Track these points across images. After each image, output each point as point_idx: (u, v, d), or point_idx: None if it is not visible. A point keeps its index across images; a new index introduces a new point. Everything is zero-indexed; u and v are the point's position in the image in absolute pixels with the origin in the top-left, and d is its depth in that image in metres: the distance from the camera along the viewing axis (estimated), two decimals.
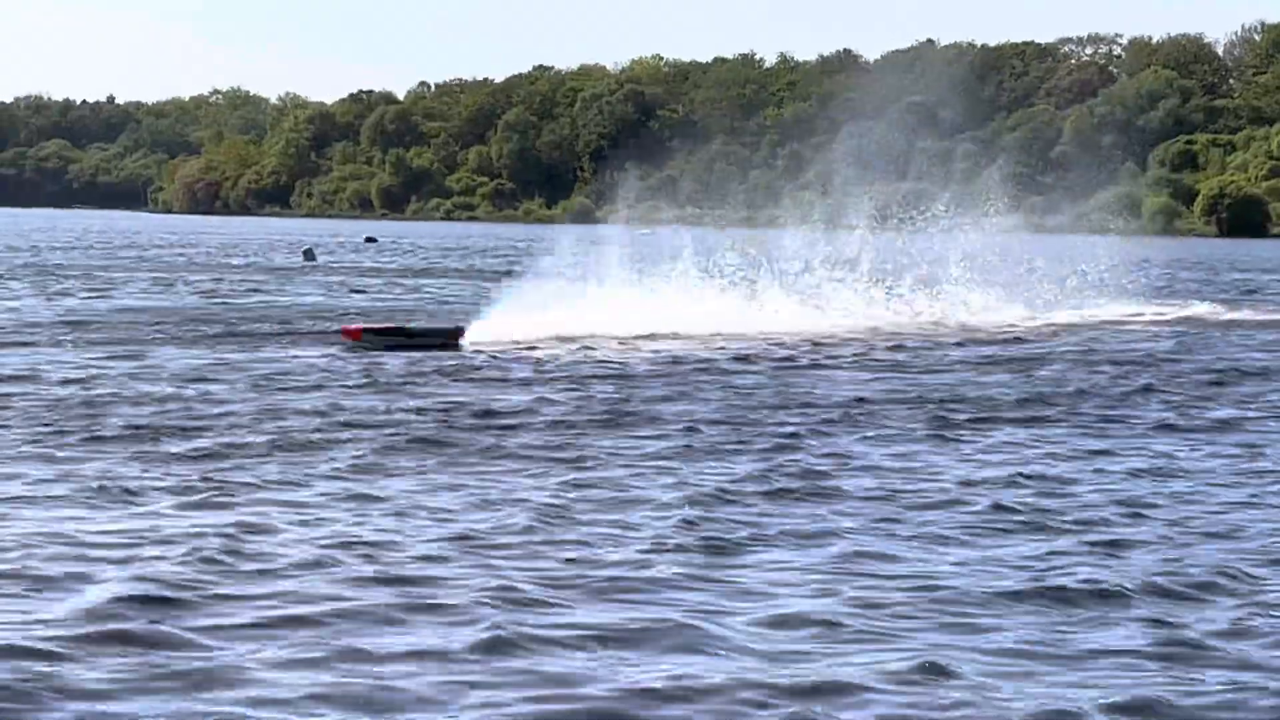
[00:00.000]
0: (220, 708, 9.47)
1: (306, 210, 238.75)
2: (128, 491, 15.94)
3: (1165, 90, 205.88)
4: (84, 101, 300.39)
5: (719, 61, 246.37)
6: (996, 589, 12.56)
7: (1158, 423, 23.05)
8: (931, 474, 18.12)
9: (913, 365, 31.26)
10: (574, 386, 25.95)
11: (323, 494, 16.25)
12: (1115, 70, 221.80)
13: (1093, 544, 14.51)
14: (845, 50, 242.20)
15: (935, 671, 10.43)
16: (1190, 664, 10.73)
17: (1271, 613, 12.18)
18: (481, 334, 35.00)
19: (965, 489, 17.11)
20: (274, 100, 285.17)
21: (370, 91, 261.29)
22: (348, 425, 21.17)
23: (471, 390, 25.29)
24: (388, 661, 10.40)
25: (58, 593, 11.95)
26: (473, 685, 10.00)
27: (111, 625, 10.98)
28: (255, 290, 53.87)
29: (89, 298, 47.29)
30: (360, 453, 18.78)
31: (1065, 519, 15.66)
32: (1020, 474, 18.03)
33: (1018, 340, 38.38)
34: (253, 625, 11.17)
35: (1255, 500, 17.08)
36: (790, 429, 21.39)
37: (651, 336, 35.89)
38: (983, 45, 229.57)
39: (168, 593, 11.94)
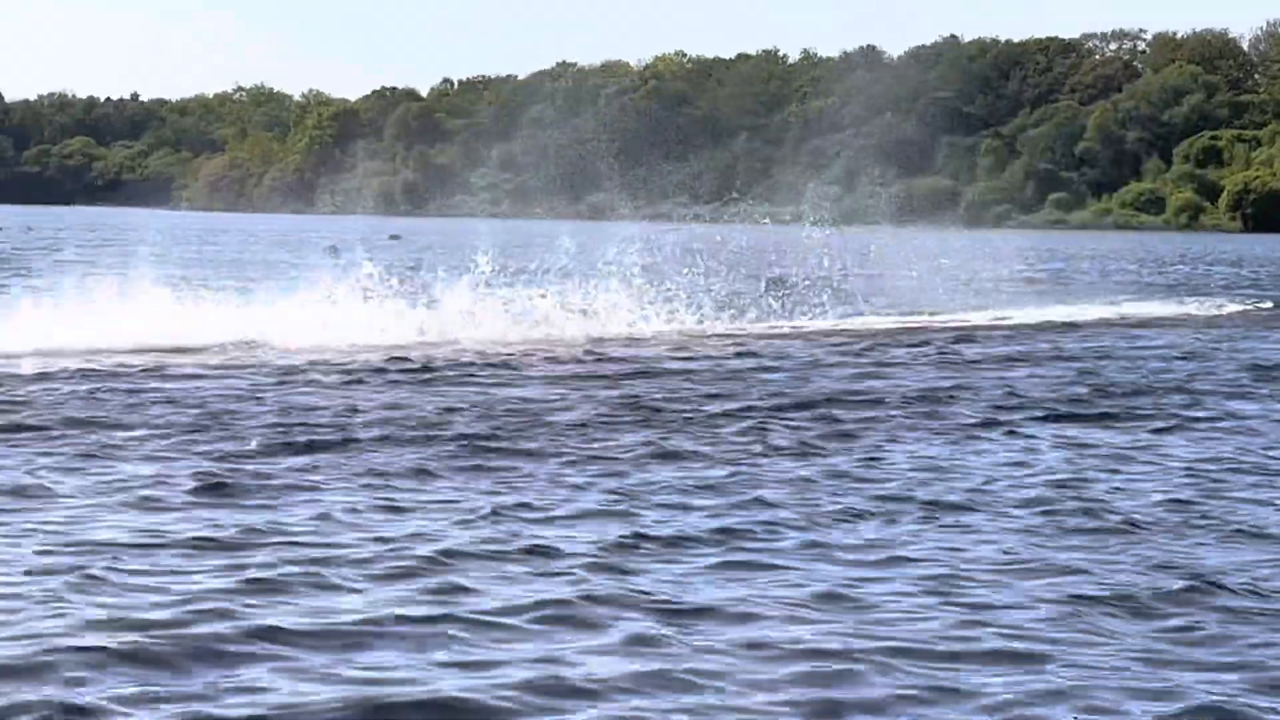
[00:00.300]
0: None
1: (330, 208, 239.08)
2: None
3: (1190, 86, 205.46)
4: (108, 99, 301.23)
5: (742, 58, 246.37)
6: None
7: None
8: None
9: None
10: None
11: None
12: (1140, 66, 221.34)
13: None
14: (869, 46, 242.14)
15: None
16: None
17: None
18: None
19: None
20: (297, 97, 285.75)
21: (393, 88, 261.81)
22: None
23: None
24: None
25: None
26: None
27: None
28: None
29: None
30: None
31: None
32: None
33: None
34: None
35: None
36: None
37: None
38: (1006, 41, 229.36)
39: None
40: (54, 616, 11.10)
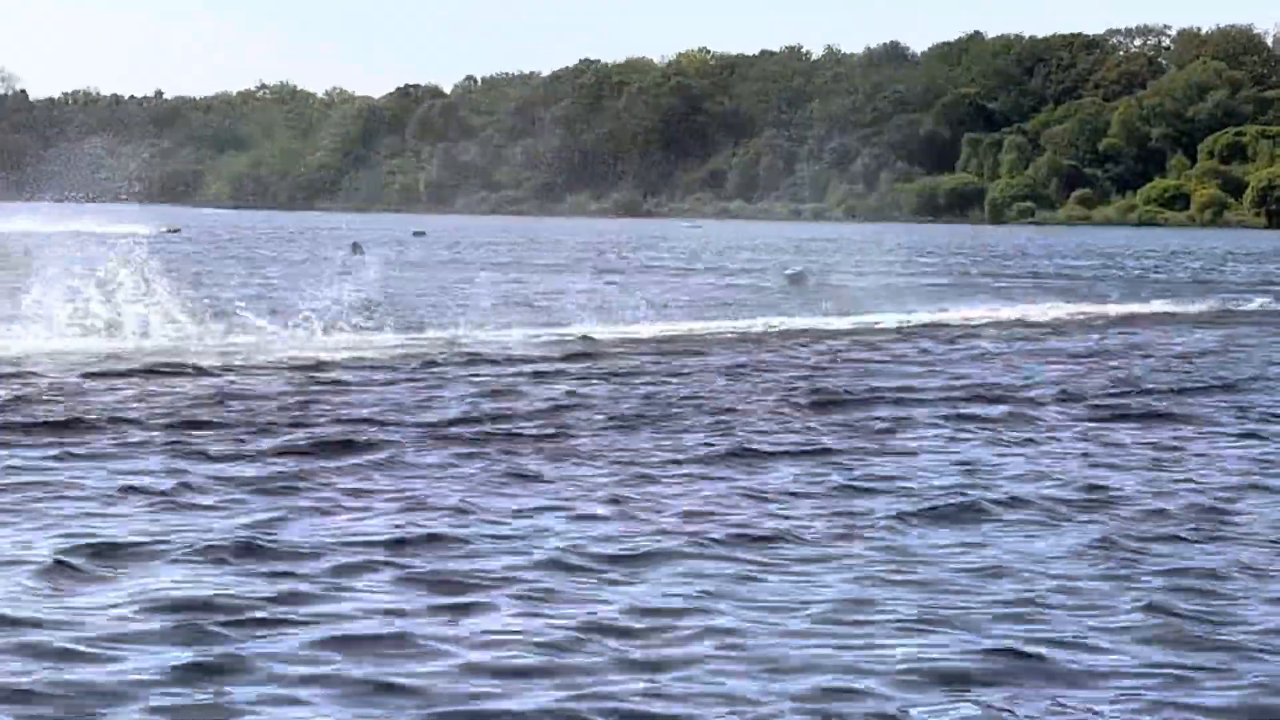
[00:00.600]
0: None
1: (354, 205, 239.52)
2: None
3: (1214, 81, 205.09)
4: (131, 97, 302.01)
5: (766, 54, 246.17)
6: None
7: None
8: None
9: None
10: None
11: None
12: (1164, 62, 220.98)
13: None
14: (892, 42, 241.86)
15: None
16: None
17: None
18: None
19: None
20: (321, 95, 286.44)
21: (417, 85, 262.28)
22: None
23: None
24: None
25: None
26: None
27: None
28: None
29: None
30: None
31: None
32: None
33: None
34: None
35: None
36: None
37: None
38: (1030, 37, 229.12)
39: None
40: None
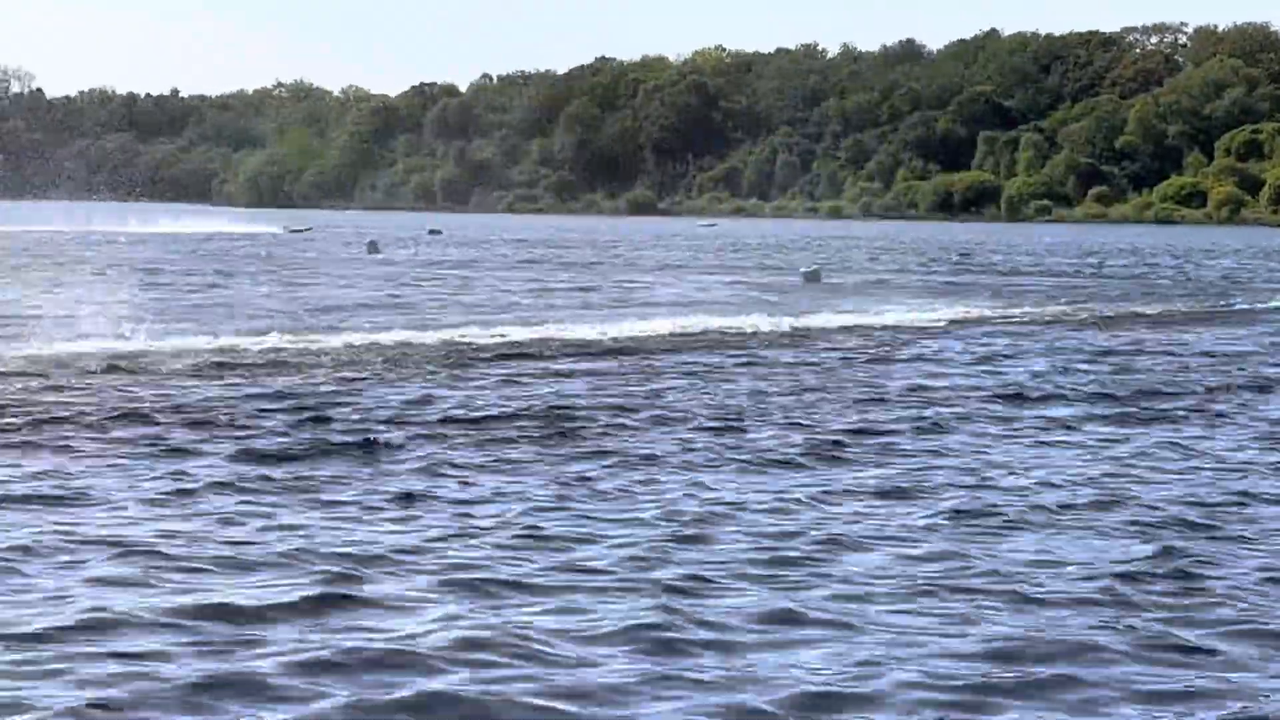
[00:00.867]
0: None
1: (369, 203, 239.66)
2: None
3: (1231, 79, 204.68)
4: (148, 95, 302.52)
5: (781, 52, 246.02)
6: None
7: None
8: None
9: None
10: None
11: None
12: (1180, 59, 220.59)
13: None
14: (908, 40, 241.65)
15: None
16: None
17: None
18: None
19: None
20: (337, 93, 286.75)
21: (433, 84, 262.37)
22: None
23: None
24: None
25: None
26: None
27: None
28: None
29: None
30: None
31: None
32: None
33: None
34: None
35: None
36: None
37: None
38: (1046, 35, 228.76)
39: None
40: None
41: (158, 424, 19.98)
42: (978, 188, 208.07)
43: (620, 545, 13.66)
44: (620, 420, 21.27)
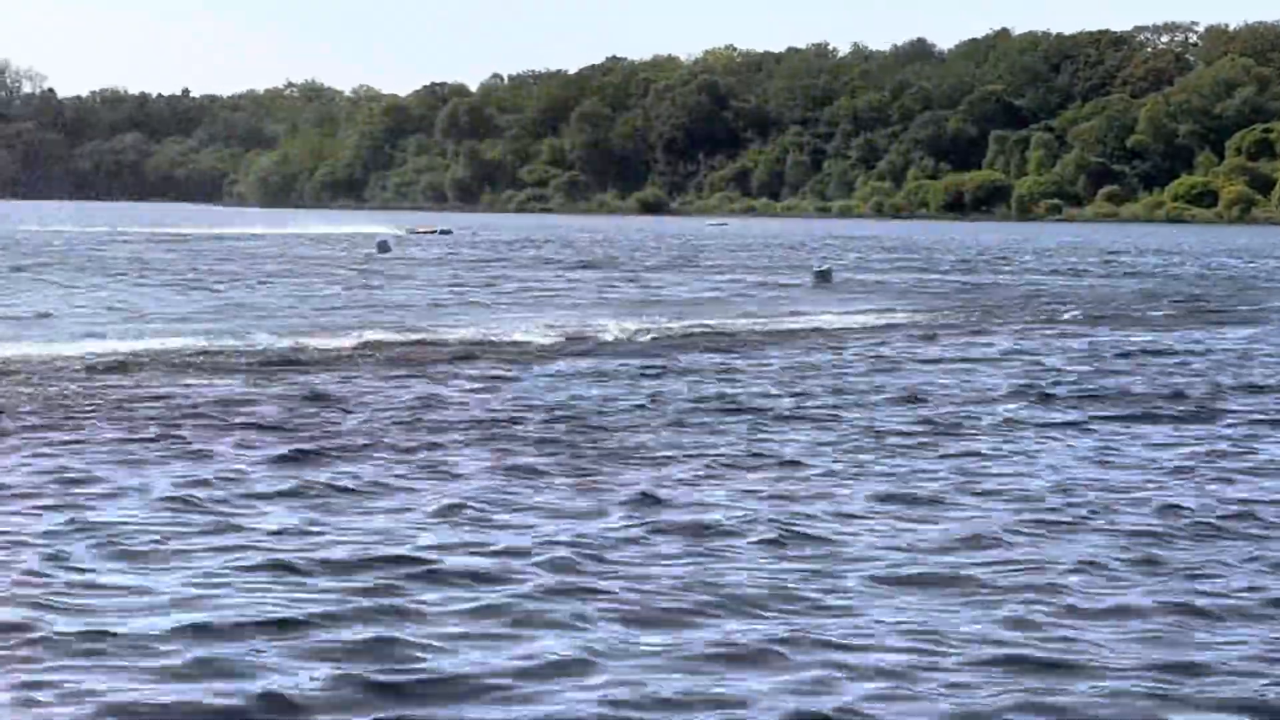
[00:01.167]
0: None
1: (380, 203, 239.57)
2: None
3: (1242, 78, 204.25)
4: (159, 95, 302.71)
5: (792, 51, 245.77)
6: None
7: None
8: None
9: None
10: None
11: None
12: (1191, 58, 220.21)
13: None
14: (919, 40, 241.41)
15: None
16: None
17: None
18: None
19: None
20: (348, 93, 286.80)
21: (443, 84, 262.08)
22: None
23: None
24: None
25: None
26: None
27: None
28: None
29: None
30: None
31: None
32: None
33: None
34: None
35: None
36: None
37: None
38: (1057, 34, 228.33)
39: None
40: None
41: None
42: (988, 187, 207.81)
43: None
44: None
